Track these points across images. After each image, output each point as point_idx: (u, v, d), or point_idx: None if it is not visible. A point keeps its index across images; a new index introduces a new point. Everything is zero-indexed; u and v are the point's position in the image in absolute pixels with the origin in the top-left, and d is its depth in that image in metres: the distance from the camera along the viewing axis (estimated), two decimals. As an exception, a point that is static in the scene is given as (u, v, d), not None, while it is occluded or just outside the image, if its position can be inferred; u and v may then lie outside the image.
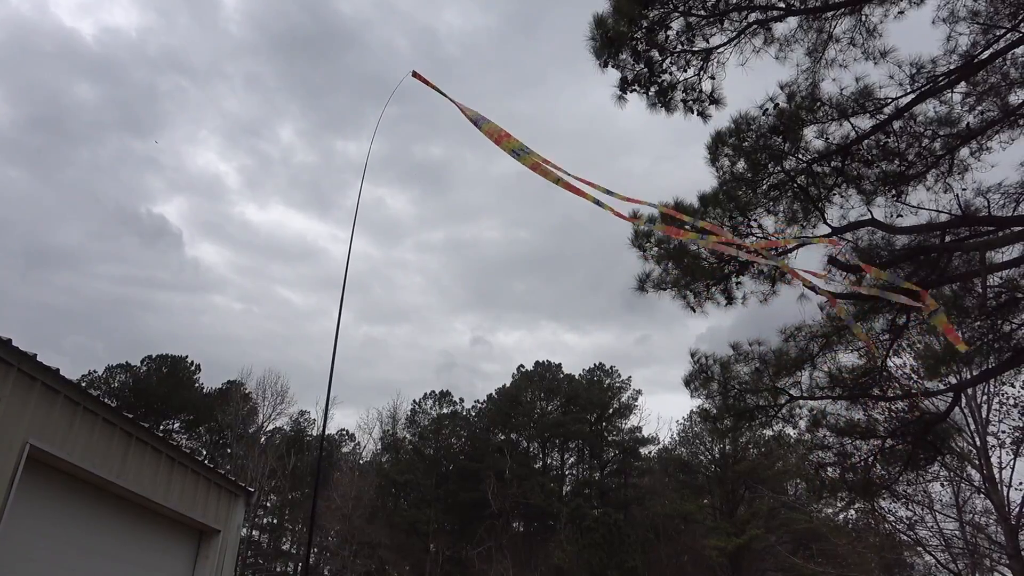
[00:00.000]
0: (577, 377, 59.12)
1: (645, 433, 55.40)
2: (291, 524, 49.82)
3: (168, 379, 52.08)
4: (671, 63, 8.39)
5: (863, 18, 8.38)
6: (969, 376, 12.42)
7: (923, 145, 9.01)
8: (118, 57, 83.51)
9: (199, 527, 10.58)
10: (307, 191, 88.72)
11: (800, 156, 9.10)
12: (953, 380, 12.54)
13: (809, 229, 9.45)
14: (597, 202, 5.33)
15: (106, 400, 8.62)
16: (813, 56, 8.70)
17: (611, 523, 39.86)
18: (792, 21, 8.50)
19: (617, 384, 58.03)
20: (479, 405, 59.64)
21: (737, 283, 9.70)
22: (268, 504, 48.13)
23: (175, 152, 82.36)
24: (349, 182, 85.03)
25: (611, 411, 57.06)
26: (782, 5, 8.25)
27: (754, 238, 9.44)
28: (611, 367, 58.74)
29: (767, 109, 8.77)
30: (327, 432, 52.36)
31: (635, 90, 8.47)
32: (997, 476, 15.49)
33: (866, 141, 8.93)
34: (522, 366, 60.02)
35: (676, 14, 8.04)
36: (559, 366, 59.78)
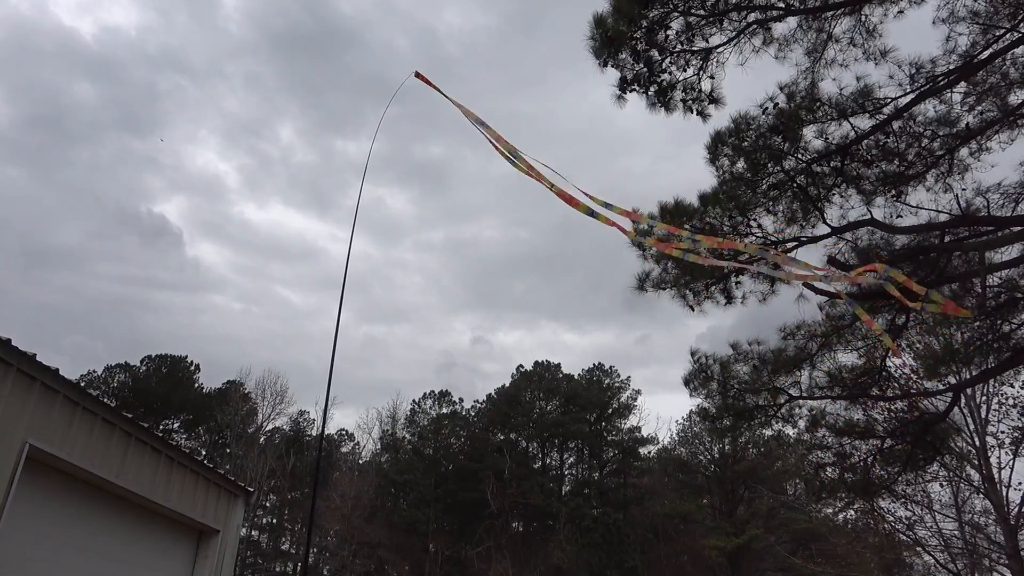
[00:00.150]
0: (576, 377, 59.14)
1: (644, 433, 55.48)
2: (290, 524, 49.82)
3: (167, 379, 52.08)
4: (670, 63, 8.39)
5: (863, 18, 8.38)
6: (968, 376, 12.42)
7: (923, 145, 9.02)
8: (118, 56, 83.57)
9: (198, 527, 10.57)
10: (307, 191, 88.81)
11: (799, 156, 9.11)
12: (952, 380, 12.54)
13: (808, 229, 9.45)
14: (591, 212, 5.33)
15: (105, 400, 8.62)
16: (812, 56, 8.70)
17: (610, 523, 39.87)
18: (791, 21, 8.51)
19: (616, 384, 58.06)
20: (478, 405, 59.68)
21: (736, 283, 9.71)
22: (267, 504, 48.14)
23: (175, 151, 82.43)
24: (349, 182, 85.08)
25: (610, 411, 57.07)
26: (781, 5, 8.25)
27: (753, 237, 9.45)
28: (610, 367, 58.83)
29: (767, 108, 8.77)
30: (326, 432, 52.40)
31: (634, 90, 8.47)
32: (996, 476, 15.50)
33: (866, 141, 8.94)
34: (521, 366, 60.10)
35: (676, 14, 8.04)
36: (558, 366, 59.85)
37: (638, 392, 57.43)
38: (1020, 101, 8.75)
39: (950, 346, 11.07)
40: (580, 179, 5.49)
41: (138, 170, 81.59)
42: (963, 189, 9.11)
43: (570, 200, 5.35)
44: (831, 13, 8.40)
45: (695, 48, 8.38)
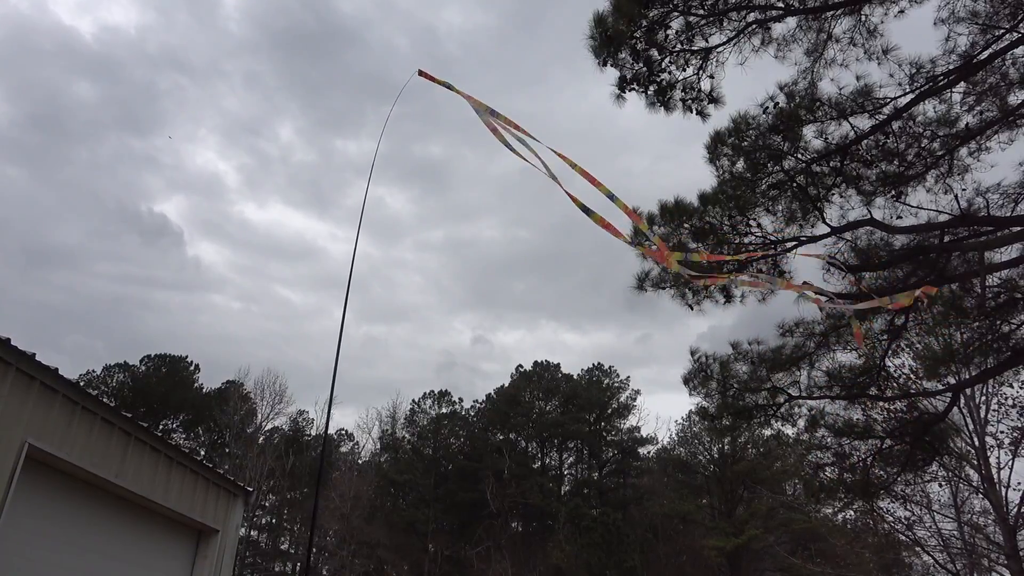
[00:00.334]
0: (576, 377, 59.17)
1: (644, 433, 55.53)
2: (289, 524, 49.81)
3: (167, 379, 52.09)
4: (670, 62, 8.39)
5: (863, 18, 8.38)
6: (968, 376, 12.42)
7: (922, 145, 9.02)
8: (117, 55, 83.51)
9: (198, 527, 10.57)
10: (306, 190, 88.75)
11: (799, 156, 9.11)
12: (952, 380, 12.54)
13: (808, 228, 9.46)
14: (610, 196, 5.34)
15: (105, 399, 8.61)
16: (812, 56, 8.70)
17: (610, 523, 39.88)
18: (791, 21, 8.51)
19: (616, 384, 58.08)
20: (478, 405, 59.70)
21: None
22: (266, 504, 48.11)
23: (174, 151, 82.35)
24: (348, 181, 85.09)
25: (610, 411, 57.09)
26: (781, 5, 8.25)
27: (753, 237, 9.45)
28: (610, 367, 58.86)
29: (767, 108, 8.77)
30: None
31: (634, 89, 8.47)
32: (995, 476, 15.50)
33: (865, 141, 8.94)
34: (521, 366, 60.12)
35: (676, 13, 8.04)
36: (558, 366, 59.87)
37: (637, 392, 57.54)
38: (1020, 101, 8.75)
39: (949, 346, 11.08)
40: (579, 185, 5.49)
41: (138, 169, 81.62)
42: (963, 189, 9.12)
43: (593, 181, 5.37)
44: (831, 13, 8.40)
45: (695, 48, 8.38)
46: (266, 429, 46.24)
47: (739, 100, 9.06)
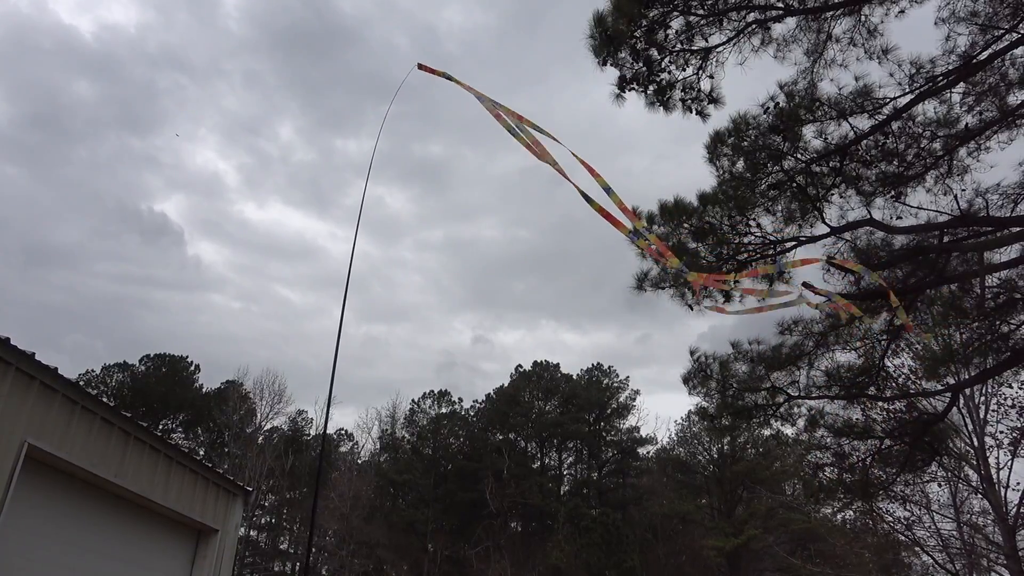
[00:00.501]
0: (575, 377, 59.18)
1: (643, 433, 55.56)
2: (289, 523, 49.79)
3: (167, 378, 52.07)
4: (670, 62, 8.39)
5: (863, 18, 8.38)
6: (967, 376, 12.43)
7: (922, 146, 9.02)
8: (117, 54, 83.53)
9: (197, 526, 10.56)
10: (306, 189, 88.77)
11: (799, 156, 9.11)
12: (951, 381, 12.55)
13: (807, 228, 9.46)
14: (607, 189, 5.35)
15: (104, 399, 8.61)
16: (812, 56, 8.70)
17: (609, 523, 39.88)
18: (791, 21, 8.50)
19: (615, 384, 58.10)
20: (477, 405, 59.70)
21: (735, 282, 9.71)
22: (266, 503, 48.10)
23: (174, 150, 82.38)
24: (348, 180, 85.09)
25: (609, 411, 57.11)
26: (781, 5, 8.25)
27: (752, 236, 9.45)
28: (609, 367, 58.88)
29: (768, 108, 8.77)
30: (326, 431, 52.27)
31: (634, 89, 8.47)
32: (995, 476, 15.51)
33: (865, 141, 8.94)
34: (520, 366, 60.11)
35: (676, 13, 8.04)
36: (557, 366, 59.86)
37: (637, 392, 57.56)
38: (1019, 102, 8.75)
39: (949, 347, 11.08)
40: (580, 177, 5.50)
41: (137, 168, 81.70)
42: (962, 190, 9.12)
43: (592, 171, 5.39)
44: (831, 13, 8.40)
45: (694, 47, 8.38)
46: (265, 429, 46.27)
47: (739, 100, 9.06)
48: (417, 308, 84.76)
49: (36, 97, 77.27)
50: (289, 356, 75.16)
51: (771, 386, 10.55)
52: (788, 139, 8.94)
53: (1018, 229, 8.58)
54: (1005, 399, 15.68)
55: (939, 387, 12.22)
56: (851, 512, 21.48)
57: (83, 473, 7.90)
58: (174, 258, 78.71)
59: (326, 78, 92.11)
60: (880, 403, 12.60)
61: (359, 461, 52.89)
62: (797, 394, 10.64)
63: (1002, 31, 8.13)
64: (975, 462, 15.98)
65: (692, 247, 9.61)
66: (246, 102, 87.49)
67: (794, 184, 9.20)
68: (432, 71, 6.16)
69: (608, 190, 5.54)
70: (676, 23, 8.15)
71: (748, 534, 37.80)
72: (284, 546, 49.73)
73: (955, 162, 9.14)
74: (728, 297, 9.68)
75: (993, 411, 15.94)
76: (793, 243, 9.49)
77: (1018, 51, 8.36)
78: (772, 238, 9.53)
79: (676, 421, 69.29)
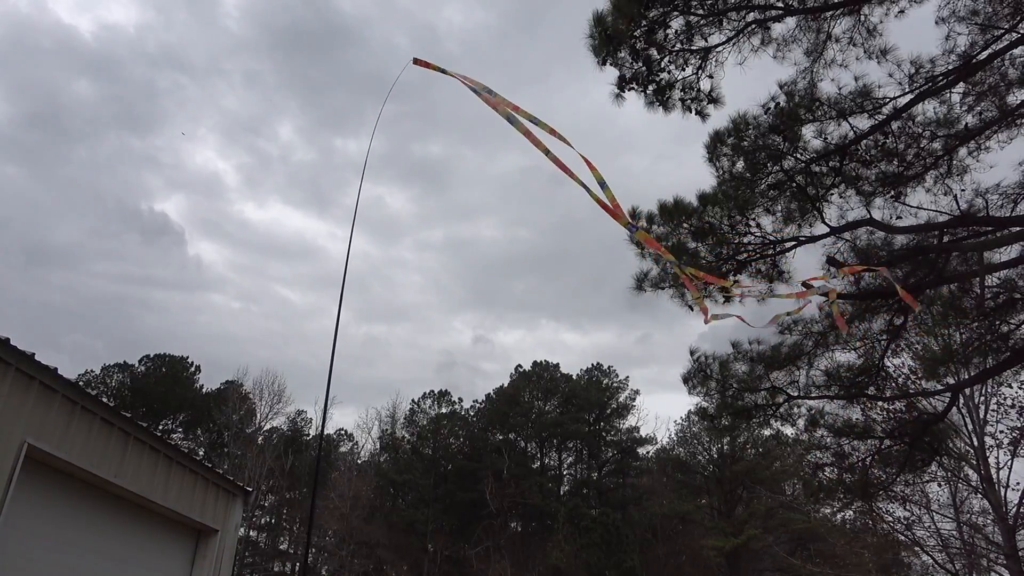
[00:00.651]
0: (575, 377, 59.18)
1: (643, 433, 55.56)
2: (289, 524, 49.78)
3: (166, 379, 52.06)
4: (669, 62, 8.39)
5: (862, 18, 8.38)
6: (967, 376, 12.43)
7: (922, 146, 9.02)
8: (116, 54, 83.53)
9: (197, 527, 10.56)
10: (306, 189, 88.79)
11: (798, 156, 9.11)
12: (951, 380, 12.55)
13: (807, 228, 9.45)
14: (602, 183, 5.36)
15: (104, 399, 8.60)
16: (811, 56, 8.70)
17: (609, 523, 39.89)
18: (790, 21, 8.50)
19: (615, 384, 58.10)
20: (477, 405, 59.70)
21: (735, 282, 9.71)
22: (265, 504, 48.10)
23: (174, 150, 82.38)
24: (348, 180, 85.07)
25: (609, 411, 57.11)
26: (780, 5, 8.24)
27: (752, 236, 9.45)
28: (609, 367, 58.90)
29: (769, 108, 8.77)
30: (325, 431, 52.34)
31: (633, 88, 8.46)
32: (994, 476, 15.51)
33: (864, 141, 8.94)
34: (520, 366, 60.12)
35: (676, 13, 8.04)
36: (557, 366, 59.87)
37: (636, 392, 57.58)
38: (1019, 101, 8.75)
39: (949, 346, 11.08)
40: (577, 171, 5.51)
41: (137, 168, 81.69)
42: (962, 190, 9.12)
43: (589, 164, 5.40)
44: (830, 13, 8.40)
45: (694, 47, 8.37)
46: (265, 429, 46.28)
47: (738, 100, 9.06)
48: (417, 308, 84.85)
49: (36, 97, 77.37)
50: (289, 356, 75.27)
51: (771, 386, 10.54)
52: (788, 139, 8.94)
53: (1018, 229, 8.58)
54: (1005, 399, 15.69)
55: (939, 387, 12.22)
56: (851, 512, 21.50)
57: (83, 473, 7.90)
58: (175, 258, 78.82)
59: (326, 78, 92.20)
60: (880, 403, 12.60)
61: (359, 461, 52.91)
62: (797, 394, 10.64)
63: (1002, 31, 8.13)
64: (975, 462, 15.98)
65: (692, 247, 9.61)
66: (246, 102, 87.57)
67: (794, 184, 9.20)
68: (427, 65, 6.16)
69: (603, 184, 5.55)
70: (676, 23, 8.15)
71: (748, 534, 37.80)
72: (284, 546, 49.72)
73: (955, 162, 9.14)
74: (728, 299, 9.68)
75: (993, 411, 15.95)
76: (793, 243, 9.48)
77: (1018, 51, 8.36)
78: (772, 238, 9.52)
79: (676, 421, 69.33)
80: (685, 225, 9.54)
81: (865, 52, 8.49)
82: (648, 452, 55.10)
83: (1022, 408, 15.37)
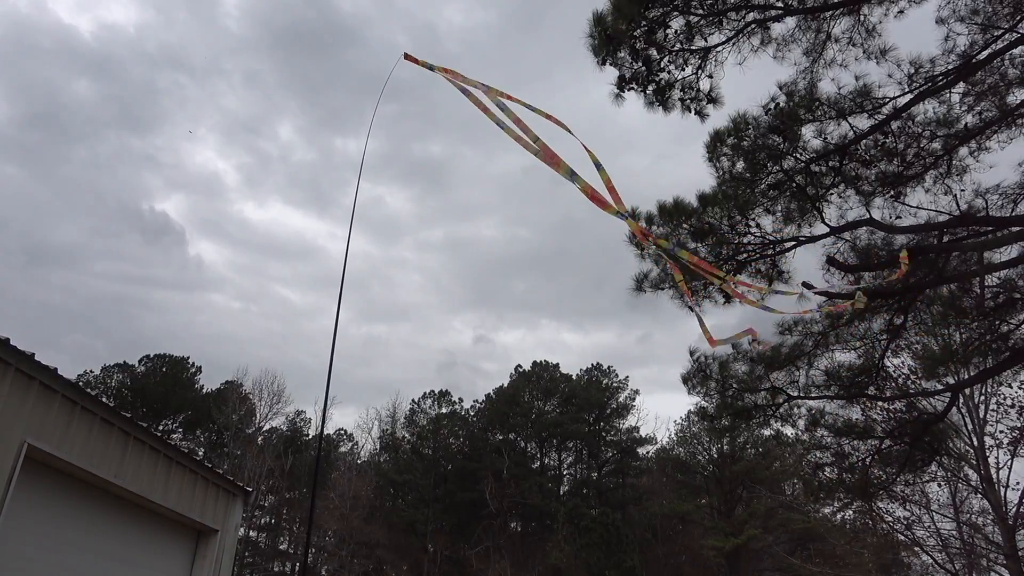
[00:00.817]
0: (575, 377, 59.19)
1: (643, 433, 55.57)
2: (288, 524, 49.78)
3: (167, 379, 52.07)
4: (669, 62, 8.38)
5: (862, 18, 8.38)
6: (967, 376, 12.43)
7: (921, 145, 9.02)
8: (116, 54, 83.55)
9: (197, 527, 10.56)
10: (306, 189, 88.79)
11: (798, 155, 9.11)
12: (951, 380, 12.55)
13: (807, 228, 9.45)
14: (599, 168, 5.36)
15: (104, 399, 8.60)
16: (811, 56, 8.70)
17: (609, 523, 39.89)
18: (790, 21, 8.50)
19: (615, 384, 58.11)
20: (477, 405, 59.70)
21: (728, 273, 9.70)
22: (265, 504, 48.09)
23: (173, 149, 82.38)
24: (348, 180, 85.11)
25: (609, 411, 57.11)
26: (780, 5, 8.24)
27: (752, 236, 9.45)
28: (608, 367, 58.91)
29: (769, 108, 8.77)
30: (325, 431, 52.32)
31: (633, 88, 8.46)
32: (994, 476, 15.52)
33: (864, 141, 8.94)
34: (520, 366, 60.13)
35: (675, 13, 8.04)
36: (556, 366, 59.89)
37: (636, 392, 57.58)
38: (1019, 101, 8.75)
39: (948, 346, 11.08)
40: (579, 159, 5.52)
41: (137, 168, 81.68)
42: (962, 190, 9.12)
43: (587, 149, 5.41)
44: (830, 13, 8.40)
45: (694, 47, 8.37)
46: (265, 429, 46.29)
47: (738, 100, 9.07)
48: (417, 308, 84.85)
49: (36, 97, 77.38)
50: (289, 356, 75.27)
51: (771, 386, 10.54)
52: (788, 139, 8.93)
53: (1018, 229, 8.58)
54: (1005, 399, 15.70)
55: (939, 387, 12.21)
56: (851, 512, 21.51)
57: (83, 473, 7.90)
58: (176, 258, 78.84)
59: (326, 77, 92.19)
60: (880, 403, 12.60)
61: (359, 461, 52.91)
62: (797, 394, 10.64)
63: (1002, 31, 8.13)
64: (975, 462, 15.98)
65: (692, 247, 9.60)
66: (246, 101, 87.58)
67: (794, 184, 9.20)
68: (416, 61, 6.20)
69: (599, 166, 5.54)
70: (676, 23, 8.14)
71: (748, 534, 37.81)
72: (284, 546, 49.72)
73: (955, 162, 9.14)
74: (728, 298, 9.68)
75: (993, 411, 15.96)
76: (793, 243, 9.48)
77: (1018, 51, 8.36)
78: (772, 238, 9.52)
79: (676, 421, 69.35)
80: (685, 226, 9.54)
81: (865, 52, 8.49)
82: (648, 452, 55.19)
83: (1022, 408, 15.38)
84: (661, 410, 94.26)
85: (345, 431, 56.89)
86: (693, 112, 8.76)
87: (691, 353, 10.87)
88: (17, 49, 75.78)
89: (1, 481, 6.54)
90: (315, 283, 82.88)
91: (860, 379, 10.67)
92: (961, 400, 15.66)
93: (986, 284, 9.43)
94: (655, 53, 8.26)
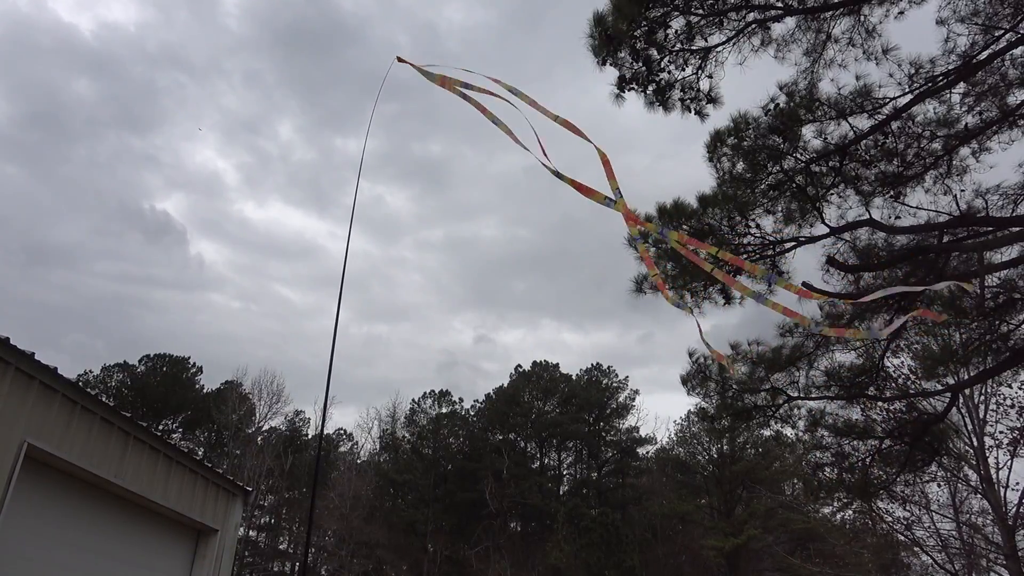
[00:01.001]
0: (575, 377, 59.20)
1: (643, 433, 55.58)
2: (288, 523, 49.80)
3: (167, 378, 52.08)
4: (669, 62, 8.39)
5: (862, 18, 8.38)
6: (967, 376, 12.43)
7: (921, 146, 9.02)
8: (116, 53, 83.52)
9: (197, 526, 10.56)
10: (306, 188, 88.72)
11: (798, 156, 9.11)
12: (951, 381, 12.55)
13: (807, 229, 9.45)
14: (557, 173, 5.37)
15: (104, 399, 8.60)
16: (811, 56, 8.70)
17: (608, 523, 39.88)
18: (790, 21, 8.51)
19: (615, 384, 58.13)
20: (477, 405, 59.71)
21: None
22: (265, 503, 48.10)
23: (173, 149, 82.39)
24: (348, 179, 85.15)
25: (609, 411, 57.13)
26: (780, 5, 8.24)
27: (752, 237, 9.45)
28: (608, 367, 58.93)
29: (769, 108, 8.77)
30: (325, 431, 52.30)
31: (633, 88, 8.47)
32: (994, 476, 15.53)
33: (864, 141, 8.94)
34: (519, 366, 60.14)
35: (676, 13, 8.04)
36: (556, 366, 59.90)
37: (636, 392, 57.60)
38: (1019, 102, 8.75)
39: (948, 347, 11.09)
40: (580, 176, 5.49)
41: (137, 167, 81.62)
42: (962, 190, 9.13)
43: (577, 131, 5.41)
44: (830, 13, 8.40)
45: (694, 47, 8.38)
46: (264, 429, 46.29)
47: (738, 100, 9.07)
48: (417, 308, 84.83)
49: (35, 96, 77.35)
50: (289, 356, 75.27)
51: (771, 387, 10.55)
52: (788, 139, 8.94)
53: (1018, 229, 8.58)
54: (1004, 399, 15.70)
55: (939, 387, 12.22)
56: (851, 512, 21.52)
57: (83, 473, 7.90)
58: (176, 257, 78.83)
59: (326, 77, 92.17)
60: (880, 403, 12.60)
61: (359, 461, 52.92)
62: (797, 395, 10.64)
63: (1002, 31, 8.13)
64: (975, 462, 15.99)
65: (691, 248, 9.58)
66: (246, 101, 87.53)
67: (794, 184, 9.20)
68: (411, 65, 6.24)
69: (600, 152, 5.54)
70: (676, 23, 8.15)
71: (748, 534, 37.82)
72: (283, 546, 49.73)
73: (955, 162, 9.14)
74: (728, 299, 9.68)
75: (992, 411, 15.97)
76: (793, 243, 9.48)
77: (1018, 51, 8.36)
78: (772, 238, 9.52)
79: (676, 421, 69.36)
80: (685, 227, 9.54)
81: (865, 52, 8.49)
82: (648, 452, 55.20)
83: (1022, 408, 15.39)
84: (661, 410, 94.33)
85: (345, 431, 56.98)
86: (693, 112, 8.77)
87: (690, 355, 10.88)
88: (17, 48, 75.85)
89: (1, 481, 6.54)
90: (315, 283, 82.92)
91: (860, 379, 10.67)
92: (961, 400, 15.66)
93: (986, 284, 9.43)
94: (655, 53, 8.26)
